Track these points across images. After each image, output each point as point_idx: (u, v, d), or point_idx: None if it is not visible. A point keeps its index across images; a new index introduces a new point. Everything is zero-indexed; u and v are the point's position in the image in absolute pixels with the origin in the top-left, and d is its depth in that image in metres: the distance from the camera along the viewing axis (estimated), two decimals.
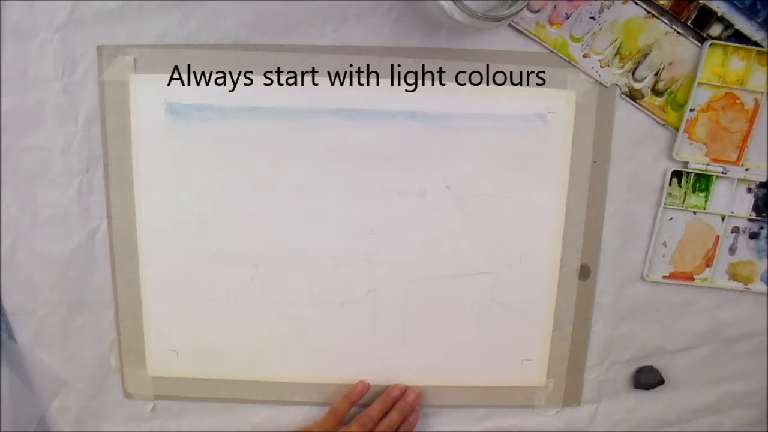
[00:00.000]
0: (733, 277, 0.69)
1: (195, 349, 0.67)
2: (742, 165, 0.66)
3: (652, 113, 0.64)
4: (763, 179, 0.66)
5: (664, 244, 0.68)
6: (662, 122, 0.65)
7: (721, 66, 0.63)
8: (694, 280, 0.69)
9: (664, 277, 0.68)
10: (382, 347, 0.67)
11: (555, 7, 0.61)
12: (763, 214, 0.67)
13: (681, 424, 0.73)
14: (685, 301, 0.69)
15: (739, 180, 0.66)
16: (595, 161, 0.65)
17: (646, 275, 0.68)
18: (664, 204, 0.66)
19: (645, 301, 0.69)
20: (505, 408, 0.67)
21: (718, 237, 0.68)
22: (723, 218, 0.67)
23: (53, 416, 0.63)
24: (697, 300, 0.69)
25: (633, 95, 0.64)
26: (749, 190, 0.67)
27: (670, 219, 0.67)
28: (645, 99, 0.64)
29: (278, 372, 0.68)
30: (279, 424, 0.71)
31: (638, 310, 0.70)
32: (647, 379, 0.71)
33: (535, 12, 0.61)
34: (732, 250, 0.68)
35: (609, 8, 0.61)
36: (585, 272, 0.68)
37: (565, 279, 0.67)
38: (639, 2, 0.61)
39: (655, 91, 0.64)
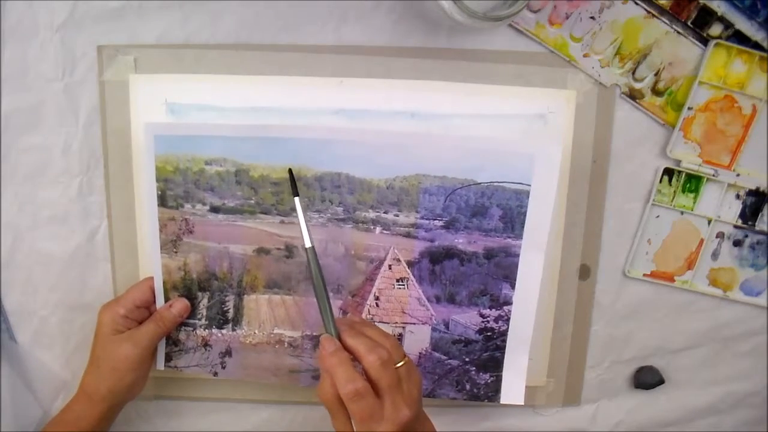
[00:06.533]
0: (713, 282, 0.69)
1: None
2: (734, 170, 0.66)
3: (652, 113, 0.64)
4: (753, 187, 0.66)
5: (649, 241, 0.68)
6: (662, 122, 0.65)
7: (723, 67, 0.63)
8: (674, 281, 0.69)
9: (645, 275, 0.68)
10: None
11: (555, 7, 0.61)
12: (749, 223, 0.67)
13: (681, 424, 0.73)
14: (686, 301, 0.69)
15: (729, 185, 0.66)
16: (595, 161, 0.65)
17: (628, 271, 0.68)
18: (653, 201, 0.66)
19: (645, 300, 0.69)
20: (505, 408, 0.67)
21: (702, 240, 0.68)
22: (709, 222, 0.67)
23: (53, 416, 0.63)
24: (697, 299, 0.69)
25: (633, 95, 0.64)
26: (738, 196, 0.67)
27: (657, 217, 0.67)
28: (645, 99, 0.64)
29: None
30: (279, 424, 0.71)
31: (638, 310, 0.70)
32: (647, 379, 0.71)
33: (535, 12, 0.61)
34: (715, 255, 0.68)
35: (609, 8, 0.62)
36: (585, 272, 0.68)
37: (565, 279, 0.67)
38: (639, 2, 0.61)
39: (655, 91, 0.64)
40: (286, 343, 0.65)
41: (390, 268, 0.64)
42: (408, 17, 0.62)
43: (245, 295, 0.64)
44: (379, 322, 0.64)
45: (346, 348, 0.54)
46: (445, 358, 0.65)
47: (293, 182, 0.59)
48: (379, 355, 0.52)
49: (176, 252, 0.63)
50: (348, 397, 0.51)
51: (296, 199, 0.58)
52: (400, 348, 0.55)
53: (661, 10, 0.62)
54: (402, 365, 0.53)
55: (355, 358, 0.53)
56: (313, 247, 0.57)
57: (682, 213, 0.67)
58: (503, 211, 0.61)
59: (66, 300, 0.66)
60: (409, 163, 0.61)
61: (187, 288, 0.64)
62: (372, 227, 0.63)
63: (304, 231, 0.57)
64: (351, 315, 0.64)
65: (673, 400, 0.72)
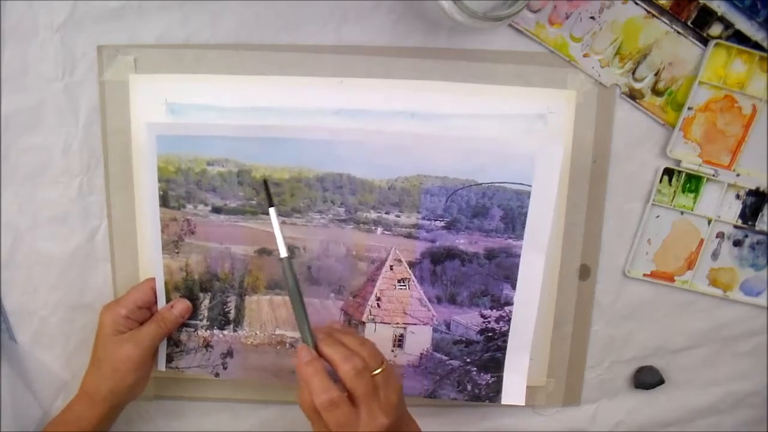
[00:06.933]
0: (713, 282, 0.69)
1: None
2: (734, 170, 0.66)
3: (652, 113, 0.65)
4: (753, 187, 0.66)
5: (649, 241, 0.68)
6: (662, 122, 0.65)
7: (723, 67, 0.63)
8: (674, 281, 0.69)
9: (645, 275, 0.68)
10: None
11: (555, 7, 0.61)
12: (749, 223, 0.67)
13: (681, 424, 0.73)
14: (686, 301, 0.69)
15: (729, 185, 0.66)
16: (595, 161, 0.65)
17: (628, 271, 0.68)
18: (653, 201, 0.66)
19: (645, 300, 0.69)
20: (504, 407, 0.67)
21: (702, 240, 0.68)
22: (709, 222, 0.67)
23: (53, 416, 0.63)
24: (697, 299, 0.69)
25: (633, 95, 0.64)
26: (738, 196, 0.67)
27: (657, 217, 0.67)
28: (645, 99, 0.64)
29: None
30: (279, 424, 0.71)
31: (638, 310, 0.70)
32: (647, 379, 0.71)
33: (535, 12, 0.61)
34: (715, 255, 0.68)
35: (609, 8, 0.62)
36: (585, 272, 0.68)
37: (565, 279, 0.67)
38: (639, 2, 0.62)
39: (655, 91, 0.64)
40: (287, 344, 0.65)
41: (391, 269, 0.64)
42: (408, 17, 0.62)
43: (247, 296, 0.64)
44: (381, 322, 0.64)
45: (322, 356, 0.54)
46: (446, 358, 0.65)
47: (268, 193, 0.60)
48: (353, 365, 0.52)
49: (178, 252, 0.63)
50: (323, 407, 0.51)
51: (272, 209, 0.59)
52: (377, 355, 0.55)
53: (661, 10, 0.62)
54: (379, 372, 0.53)
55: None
56: (288, 257, 0.58)
57: (682, 213, 0.67)
58: (504, 211, 0.61)
59: (66, 300, 0.66)
60: (411, 164, 0.61)
61: (189, 289, 0.64)
62: (373, 228, 0.63)
63: (280, 242, 0.58)
64: (331, 322, 0.64)
65: (673, 400, 0.72)
